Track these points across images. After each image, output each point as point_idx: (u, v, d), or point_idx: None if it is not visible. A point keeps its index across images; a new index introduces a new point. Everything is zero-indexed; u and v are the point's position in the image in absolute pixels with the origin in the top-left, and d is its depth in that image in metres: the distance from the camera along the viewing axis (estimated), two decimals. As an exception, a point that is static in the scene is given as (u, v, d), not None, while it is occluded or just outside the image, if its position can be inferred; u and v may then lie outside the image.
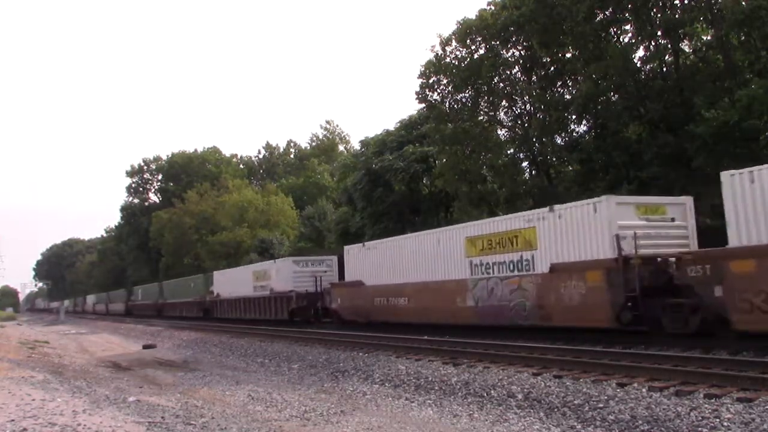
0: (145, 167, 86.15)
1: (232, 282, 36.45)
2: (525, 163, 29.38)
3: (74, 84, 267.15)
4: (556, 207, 15.90)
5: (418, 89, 29.64)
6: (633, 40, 23.82)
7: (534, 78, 28.00)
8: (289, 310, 28.62)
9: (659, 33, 22.43)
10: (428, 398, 11.16)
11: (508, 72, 28.20)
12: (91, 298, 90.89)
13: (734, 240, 12.18)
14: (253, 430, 9.11)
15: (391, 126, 40.34)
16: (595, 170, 24.14)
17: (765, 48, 19.91)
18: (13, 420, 9.04)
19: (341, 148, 76.44)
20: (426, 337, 18.26)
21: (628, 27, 24.06)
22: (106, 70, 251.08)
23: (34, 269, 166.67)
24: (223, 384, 14.60)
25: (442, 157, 30.95)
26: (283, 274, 29.31)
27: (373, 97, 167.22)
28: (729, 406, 8.12)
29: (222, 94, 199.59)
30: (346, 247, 26.09)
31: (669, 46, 22.62)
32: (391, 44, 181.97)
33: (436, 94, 29.59)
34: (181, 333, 33.22)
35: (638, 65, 23.45)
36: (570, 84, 26.86)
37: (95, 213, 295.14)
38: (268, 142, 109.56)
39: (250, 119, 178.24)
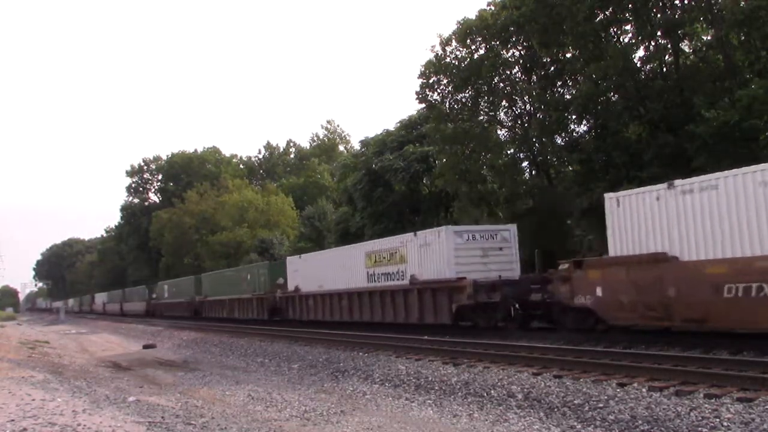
0: (145, 167, 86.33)
1: (325, 269, 26.06)
2: (525, 163, 29.41)
3: (74, 84, 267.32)
4: None
5: (418, 89, 29.67)
6: (633, 40, 23.81)
7: (534, 78, 28.00)
8: (455, 309, 18.30)
9: (659, 33, 22.41)
10: (428, 398, 11.17)
11: (508, 72, 28.19)
12: (101, 297, 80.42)
13: None
14: (253, 430, 9.12)
15: (391, 126, 40.40)
16: (595, 170, 24.12)
17: (765, 48, 19.90)
18: (13, 420, 9.05)
19: (341, 148, 76.51)
20: (426, 337, 18.24)
21: (628, 27, 24.06)
22: (107, 71, 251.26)
23: (34, 269, 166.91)
24: (223, 384, 14.61)
25: (442, 157, 30.95)
26: (438, 252, 19.21)
27: (373, 97, 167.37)
28: (729, 406, 8.12)
29: (222, 94, 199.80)
30: (609, 195, 15.09)
31: (669, 46, 22.61)
32: (391, 44, 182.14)
33: (436, 94, 29.60)
34: (181, 333, 33.23)
35: (638, 65, 23.43)
36: (570, 84, 26.84)
37: (95, 213, 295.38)
38: (268, 141, 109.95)
39: (250, 119, 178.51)
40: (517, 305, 18.03)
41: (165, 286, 53.09)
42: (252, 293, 33.08)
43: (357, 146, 49.16)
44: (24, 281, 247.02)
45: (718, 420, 7.69)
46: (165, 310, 51.31)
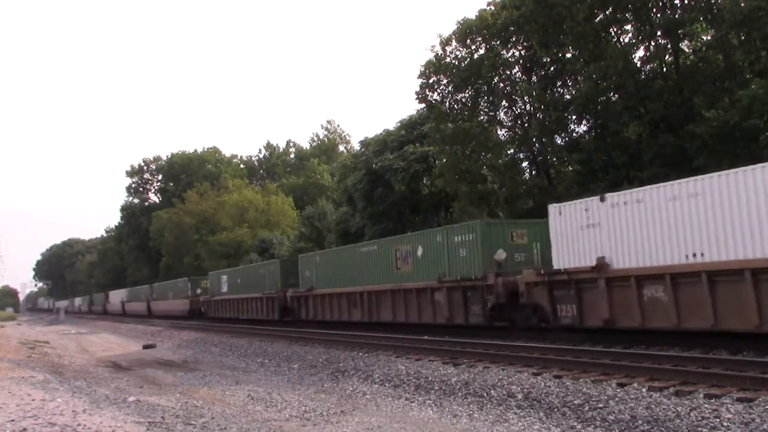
0: (145, 167, 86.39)
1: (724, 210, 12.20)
2: (525, 163, 29.39)
3: (74, 84, 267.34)
4: None
5: (418, 89, 29.65)
6: (633, 40, 23.83)
7: (534, 78, 27.99)
8: None
9: (659, 33, 22.42)
10: (428, 398, 11.17)
11: (508, 72, 28.19)
12: (118, 295, 67.83)
13: None
14: (253, 430, 9.12)
15: (391, 126, 40.40)
16: (595, 170, 24.12)
17: (765, 48, 19.92)
18: (13, 420, 9.05)
19: (341, 148, 76.58)
20: (426, 337, 18.25)
21: (628, 27, 24.06)
22: (106, 71, 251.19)
23: (34, 269, 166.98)
24: (223, 384, 14.61)
25: (442, 157, 30.94)
26: None
27: (373, 97, 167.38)
28: (729, 406, 8.13)
29: (222, 94, 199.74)
30: None
31: (669, 46, 22.62)
32: (391, 44, 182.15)
33: (436, 94, 29.59)
34: (181, 333, 33.22)
35: (638, 65, 23.45)
36: (570, 84, 26.85)
37: (95, 213, 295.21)
38: (268, 141, 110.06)
39: (250, 119, 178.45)
40: None
41: (223, 276, 38.99)
42: (439, 279, 19.18)
43: (357, 146, 49.20)
44: (24, 281, 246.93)
45: (718, 420, 7.69)
46: (223, 310, 38.28)
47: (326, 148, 77.32)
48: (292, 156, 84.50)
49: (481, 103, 28.95)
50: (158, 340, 30.86)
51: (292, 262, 30.85)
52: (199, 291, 43.93)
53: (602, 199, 14.72)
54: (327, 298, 26.08)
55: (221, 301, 38.49)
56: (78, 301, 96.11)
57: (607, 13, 23.31)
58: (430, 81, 29.27)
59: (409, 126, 37.84)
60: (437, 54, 28.88)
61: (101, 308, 74.95)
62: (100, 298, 78.10)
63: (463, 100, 29.13)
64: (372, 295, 22.83)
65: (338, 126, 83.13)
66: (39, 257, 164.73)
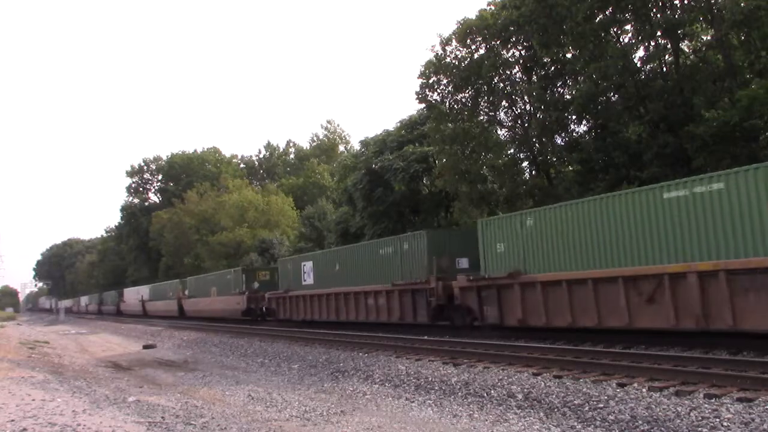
0: (145, 167, 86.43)
1: None
2: (525, 163, 29.38)
3: (75, 84, 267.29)
4: None
5: (418, 89, 29.60)
6: (633, 40, 23.82)
7: (534, 78, 27.98)
8: None
9: (659, 33, 22.42)
10: (428, 398, 11.17)
11: (508, 72, 28.17)
12: (136, 293, 56.94)
13: None
14: (253, 430, 9.12)
15: (391, 126, 40.41)
16: (595, 170, 24.11)
17: (765, 48, 19.90)
18: (13, 420, 9.06)
19: (341, 148, 76.61)
20: (426, 337, 18.26)
21: (628, 27, 24.05)
22: (107, 71, 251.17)
23: (34, 269, 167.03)
24: (223, 384, 14.61)
25: (442, 157, 30.92)
26: None
27: (373, 97, 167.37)
28: (729, 406, 8.13)
29: (222, 94, 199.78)
30: None
31: (669, 46, 22.62)
32: (391, 44, 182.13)
33: (436, 94, 29.53)
34: (181, 333, 33.22)
35: (638, 65, 23.44)
36: (570, 84, 26.84)
37: (95, 213, 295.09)
38: (268, 141, 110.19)
39: (250, 119, 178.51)
40: None
41: (305, 263, 28.65)
42: None
43: (357, 146, 49.21)
44: (24, 281, 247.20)
45: (718, 420, 7.69)
46: (308, 310, 27.99)
47: (326, 148, 77.34)
48: (292, 156, 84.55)
49: (481, 103, 28.92)
50: (158, 340, 30.85)
51: (448, 235, 20.98)
52: (256, 285, 34.15)
53: None
54: (560, 288, 15.36)
55: (304, 298, 28.00)
56: (84, 300, 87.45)
57: (607, 13, 23.30)
58: (430, 81, 29.23)
59: (409, 126, 37.84)
60: (437, 54, 28.85)
61: (114, 308, 64.31)
62: (112, 296, 67.19)
63: (463, 100, 29.09)
64: (712, 281, 12.24)
65: (338, 126, 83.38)
66: (39, 257, 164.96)
